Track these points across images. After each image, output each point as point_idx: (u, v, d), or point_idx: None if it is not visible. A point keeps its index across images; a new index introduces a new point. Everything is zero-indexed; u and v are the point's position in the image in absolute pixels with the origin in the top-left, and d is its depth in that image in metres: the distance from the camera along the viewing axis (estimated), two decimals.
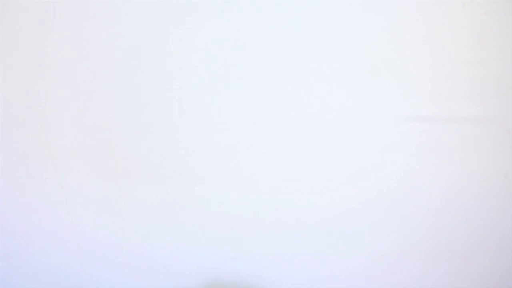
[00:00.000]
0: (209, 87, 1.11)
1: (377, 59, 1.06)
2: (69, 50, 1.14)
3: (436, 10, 1.03)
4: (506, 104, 1.04)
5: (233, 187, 1.13)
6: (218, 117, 1.11)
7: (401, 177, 1.07)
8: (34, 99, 1.16)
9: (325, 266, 1.12)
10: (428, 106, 1.05)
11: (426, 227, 1.08)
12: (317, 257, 1.12)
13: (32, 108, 1.16)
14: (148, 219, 1.16)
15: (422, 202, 1.07)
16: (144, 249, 1.17)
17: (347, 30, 1.06)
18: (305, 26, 1.07)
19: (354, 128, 1.08)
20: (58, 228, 1.18)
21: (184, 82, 1.11)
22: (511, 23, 1.02)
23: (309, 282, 1.13)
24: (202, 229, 1.15)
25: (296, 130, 1.09)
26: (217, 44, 1.09)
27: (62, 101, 1.15)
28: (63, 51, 1.14)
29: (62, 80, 1.15)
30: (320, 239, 1.11)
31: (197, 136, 1.12)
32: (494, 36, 1.03)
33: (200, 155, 1.13)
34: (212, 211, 1.14)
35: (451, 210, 1.07)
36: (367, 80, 1.06)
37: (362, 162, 1.08)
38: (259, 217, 1.13)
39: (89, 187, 1.16)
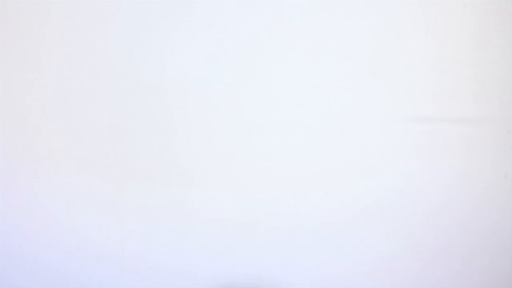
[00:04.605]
0: (209, 88, 1.11)
1: (378, 59, 1.06)
2: (69, 50, 1.14)
3: (436, 10, 1.03)
4: (506, 104, 1.04)
5: (233, 188, 1.13)
6: (218, 118, 1.11)
7: (402, 178, 1.07)
8: (34, 99, 1.16)
9: (326, 268, 1.12)
10: (428, 106, 1.05)
11: (426, 228, 1.08)
12: (318, 259, 1.12)
13: (32, 108, 1.16)
14: (148, 219, 1.16)
15: (422, 202, 1.07)
16: (143, 250, 1.17)
17: (348, 31, 1.06)
18: (305, 26, 1.07)
19: (354, 128, 1.08)
20: (58, 228, 1.18)
21: (183, 83, 1.11)
22: (511, 23, 1.02)
23: (310, 284, 1.13)
24: (202, 230, 1.14)
25: (296, 131, 1.09)
26: (216, 45, 1.09)
27: (62, 101, 1.15)
28: (63, 51, 1.14)
29: (62, 81, 1.15)
30: (321, 241, 1.11)
31: (197, 136, 1.12)
32: (494, 36, 1.03)
33: (200, 155, 1.13)
34: (212, 212, 1.14)
35: (451, 210, 1.07)
36: (368, 80, 1.06)
37: (362, 162, 1.08)
38: (259, 219, 1.13)
39: (89, 187, 1.16)
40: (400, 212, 1.08)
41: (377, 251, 1.10)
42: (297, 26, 1.07)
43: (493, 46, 1.03)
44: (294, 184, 1.11)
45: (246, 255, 1.14)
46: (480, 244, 1.07)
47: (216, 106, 1.11)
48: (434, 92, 1.05)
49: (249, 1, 1.07)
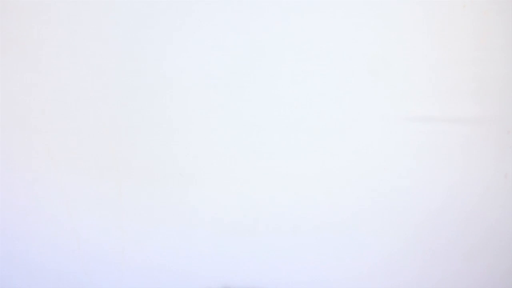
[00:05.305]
0: (209, 88, 1.11)
1: (378, 59, 1.06)
2: (69, 51, 1.14)
3: (436, 10, 1.03)
4: (506, 104, 1.04)
5: (233, 188, 1.13)
6: (218, 118, 1.11)
7: (402, 178, 1.07)
8: (34, 99, 1.16)
9: (326, 268, 1.12)
10: (428, 106, 1.05)
11: (426, 228, 1.08)
12: (318, 259, 1.12)
13: (32, 108, 1.16)
14: (148, 219, 1.16)
15: (422, 202, 1.07)
16: (143, 249, 1.17)
17: (348, 31, 1.06)
18: (305, 26, 1.07)
19: (355, 129, 1.08)
20: (58, 229, 1.18)
21: (183, 83, 1.11)
22: (511, 23, 1.02)
23: (310, 284, 1.13)
24: (202, 230, 1.14)
25: (296, 132, 1.09)
26: (216, 45, 1.09)
27: (61, 101, 1.15)
28: (63, 51, 1.14)
29: (62, 81, 1.15)
30: (320, 241, 1.11)
31: (197, 136, 1.12)
32: (494, 36, 1.03)
33: (200, 156, 1.13)
34: (211, 212, 1.14)
35: (451, 210, 1.07)
36: (368, 80, 1.06)
37: (363, 163, 1.08)
38: (259, 219, 1.13)
39: (89, 187, 1.16)
40: (400, 212, 1.08)
41: (377, 251, 1.10)
42: (297, 26, 1.07)
43: (493, 46, 1.02)
44: (294, 184, 1.10)
45: (246, 255, 1.14)
46: (480, 244, 1.07)
47: (216, 106, 1.11)
48: (434, 92, 1.05)
49: (249, 1, 1.07)
